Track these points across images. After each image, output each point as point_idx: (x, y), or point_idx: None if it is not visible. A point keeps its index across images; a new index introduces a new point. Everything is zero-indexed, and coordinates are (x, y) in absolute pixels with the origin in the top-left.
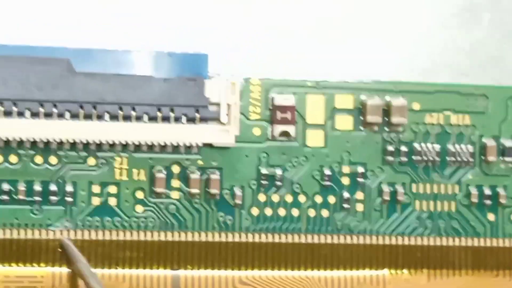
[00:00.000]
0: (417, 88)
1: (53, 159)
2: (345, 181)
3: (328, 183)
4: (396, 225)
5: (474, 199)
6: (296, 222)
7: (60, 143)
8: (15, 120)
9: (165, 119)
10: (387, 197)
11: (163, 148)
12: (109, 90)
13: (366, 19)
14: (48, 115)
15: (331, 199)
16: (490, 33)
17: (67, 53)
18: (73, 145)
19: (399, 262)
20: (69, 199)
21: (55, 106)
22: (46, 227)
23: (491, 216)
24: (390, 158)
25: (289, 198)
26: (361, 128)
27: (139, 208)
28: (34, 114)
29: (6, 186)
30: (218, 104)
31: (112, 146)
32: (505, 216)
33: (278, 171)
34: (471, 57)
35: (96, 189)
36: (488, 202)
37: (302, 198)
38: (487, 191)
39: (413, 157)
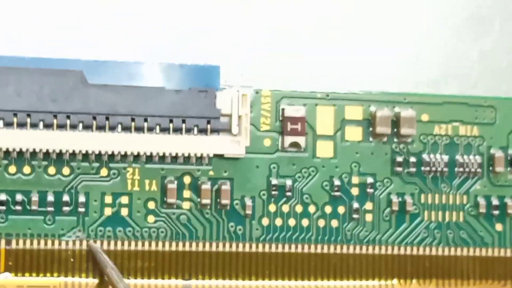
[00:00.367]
0: (426, 100)
1: (66, 170)
2: (355, 191)
3: (337, 193)
4: (405, 235)
5: (482, 210)
6: (306, 232)
7: (73, 154)
8: (29, 132)
9: (177, 130)
10: (396, 208)
11: (174, 159)
12: (121, 102)
13: (366, 19)
14: (61, 126)
15: (341, 210)
16: (499, 44)
17: (80, 65)
18: (86, 156)
19: (407, 272)
20: (82, 209)
21: (68, 117)
22: (59, 237)
23: (499, 226)
24: (399, 169)
25: (299, 209)
26: (371, 139)
27: (151, 219)
28: (48, 126)
29: (19, 197)
30: (229, 116)
31: (124, 157)
32: None
33: (288, 182)
34: (480, 68)
35: (108, 199)
36: (496, 212)
37: (312, 209)
38: (495, 202)
39: (422, 167)
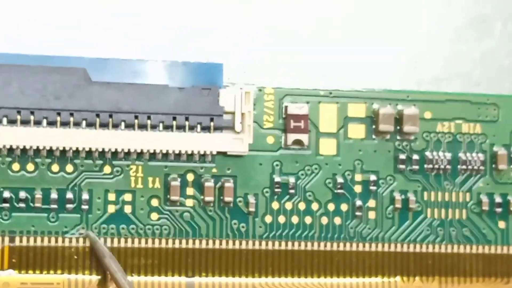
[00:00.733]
0: (429, 97)
1: (69, 167)
2: (358, 189)
3: (340, 191)
4: (407, 233)
5: (485, 207)
6: (309, 229)
7: (76, 152)
8: (32, 129)
9: (180, 127)
10: (399, 205)
11: (178, 156)
12: (124, 99)
13: (368, 19)
14: (64, 124)
15: (344, 207)
16: (502, 43)
17: (84, 63)
18: (89, 154)
19: (410, 269)
20: (85, 206)
21: (71, 115)
22: (62, 235)
23: (502, 224)
24: (402, 166)
25: (302, 206)
26: (373, 136)
27: (154, 216)
28: (51, 123)
29: (23, 194)
30: (232, 113)
31: (127, 154)
32: None
33: (291, 179)
34: (482, 67)
35: (111, 197)
36: (498, 210)
37: (315, 206)
38: (498, 199)
39: (425, 165)
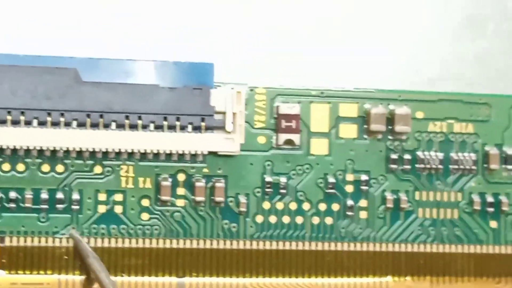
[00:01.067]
0: (421, 97)
1: (60, 167)
2: (349, 189)
3: (332, 190)
4: (399, 233)
5: (477, 207)
6: (300, 229)
7: (67, 152)
8: (23, 129)
9: (171, 127)
10: (390, 205)
11: (168, 156)
12: (115, 99)
13: (366, 19)
14: (55, 124)
15: (335, 207)
16: (495, 44)
17: (74, 63)
18: (80, 154)
19: (402, 269)
20: (76, 207)
21: (62, 115)
22: (53, 235)
23: (493, 224)
24: (393, 166)
25: (293, 206)
26: (365, 136)
27: (145, 216)
28: (42, 123)
29: (13, 194)
30: (223, 113)
31: (118, 154)
32: (508, 224)
33: (283, 179)
34: (476, 67)
35: (102, 197)
36: (490, 209)
37: (306, 206)
38: (490, 199)
39: (416, 165)
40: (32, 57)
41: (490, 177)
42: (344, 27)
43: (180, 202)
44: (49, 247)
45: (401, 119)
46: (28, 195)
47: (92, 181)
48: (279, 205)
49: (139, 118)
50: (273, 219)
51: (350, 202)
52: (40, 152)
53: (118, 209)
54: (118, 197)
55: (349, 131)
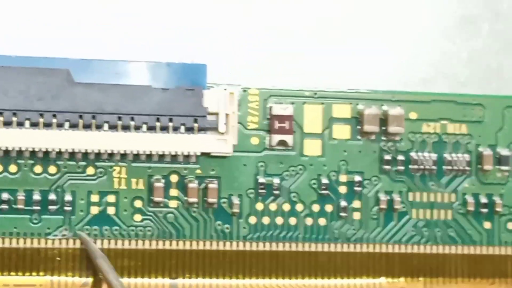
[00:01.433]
0: (414, 98)
1: (52, 169)
2: (342, 189)
3: (325, 191)
4: (393, 234)
5: (471, 208)
6: (293, 230)
7: (60, 153)
8: (15, 130)
9: (164, 128)
10: (384, 206)
11: (161, 157)
12: (108, 100)
13: (366, 19)
14: (47, 125)
15: (328, 208)
16: (488, 44)
17: (67, 64)
18: (72, 155)
19: (395, 270)
20: (68, 208)
21: (54, 116)
22: (45, 236)
23: (487, 224)
24: (387, 167)
25: (286, 207)
26: (359, 137)
27: (138, 217)
28: (34, 124)
29: (5, 196)
30: (216, 114)
31: (111, 155)
32: (501, 224)
33: (276, 180)
34: (469, 68)
35: (94, 198)
36: (484, 210)
37: (299, 207)
38: (483, 200)
39: (410, 166)
40: (24, 58)
41: (483, 178)
42: (344, 27)
43: (173, 203)
44: (41, 249)
45: (394, 120)
46: (21, 196)
47: (84, 182)
48: (272, 206)
49: (132, 119)
50: (266, 220)
51: (343, 203)
52: (33, 153)
53: (111, 210)
54: (111, 198)
55: (342, 132)
